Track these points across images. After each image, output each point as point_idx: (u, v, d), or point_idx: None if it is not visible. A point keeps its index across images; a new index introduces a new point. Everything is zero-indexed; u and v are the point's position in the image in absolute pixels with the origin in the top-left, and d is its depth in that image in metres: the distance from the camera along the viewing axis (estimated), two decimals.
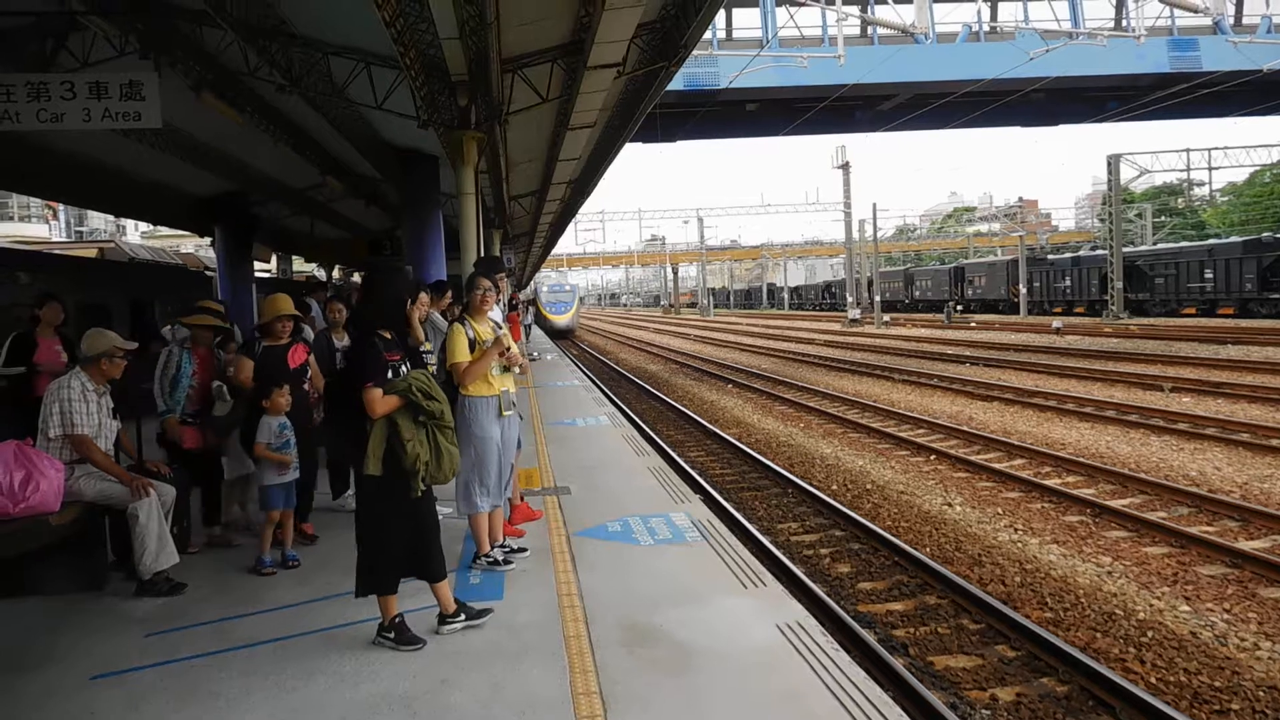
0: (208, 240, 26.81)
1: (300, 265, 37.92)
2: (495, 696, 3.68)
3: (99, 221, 63.18)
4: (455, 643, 4.25)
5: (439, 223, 14.89)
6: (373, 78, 10.17)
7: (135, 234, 62.52)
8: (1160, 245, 53.07)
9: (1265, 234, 41.70)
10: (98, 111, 8.22)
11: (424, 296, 6.33)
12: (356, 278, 34.54)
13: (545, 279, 69.01)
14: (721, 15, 27.62)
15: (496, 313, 5.65)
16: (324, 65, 9.91)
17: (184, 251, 36.86)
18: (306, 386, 6.30)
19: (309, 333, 7.41)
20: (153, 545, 5.02)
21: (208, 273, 22.48)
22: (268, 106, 12.00)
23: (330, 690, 3.75)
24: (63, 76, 8.42)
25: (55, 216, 59.81)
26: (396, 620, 4.27)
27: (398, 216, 19.69)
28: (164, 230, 40.38)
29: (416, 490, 4.11)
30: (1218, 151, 43.28)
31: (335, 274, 33.75)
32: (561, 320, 51.34)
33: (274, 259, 31.77)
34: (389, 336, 4.34)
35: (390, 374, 4.15)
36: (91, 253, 26.67)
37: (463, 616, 4.40)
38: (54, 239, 53.71)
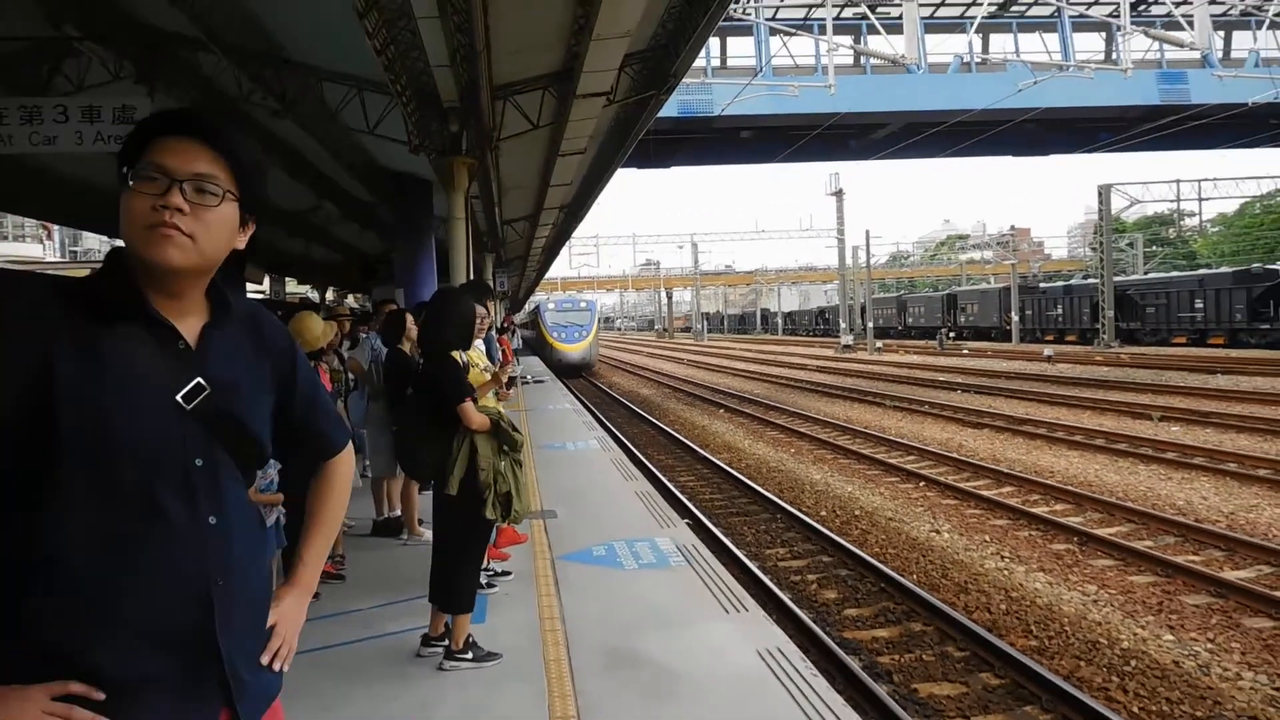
0: None
1: (292, 287, 37.96)
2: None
3: (93, 242, 63.18)
4: (433, 665, 4.24)
5: (431, 247, 14.96)
6: (365, 103, 10.27)
7: None
8: (1151, 275, 53.40)
9: (1255, 265, 41.98)
10: (90, 135, 8.29)
11: (481, 312, 6.25)
12: (351, 300, 34.60)
13: (552, 296, 51.97)
14: (716, 43, 27.96)
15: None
16: (317, 90, 10.00)
17: None
18: None
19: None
20: None
21: None
22: (262, 130, 12.09)
23: (306, 715, 3.74)
24: (56, 100, 8.49)
25: (50, 236, 59.81)
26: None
27: (392, 239, 19.79)
28: None
29: (496, 516, 4.20)
30: (1207, 183, 43.78)
31: (329, 295, 33.80)
32: (573, 351, 36.08)
33: (266, 280, 31.81)
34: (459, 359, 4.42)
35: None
36: (84, 273, 26.68)
37: (470, 655, 4.29)
38: (48, 259, 53.75)
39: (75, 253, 62.50)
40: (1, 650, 1.27)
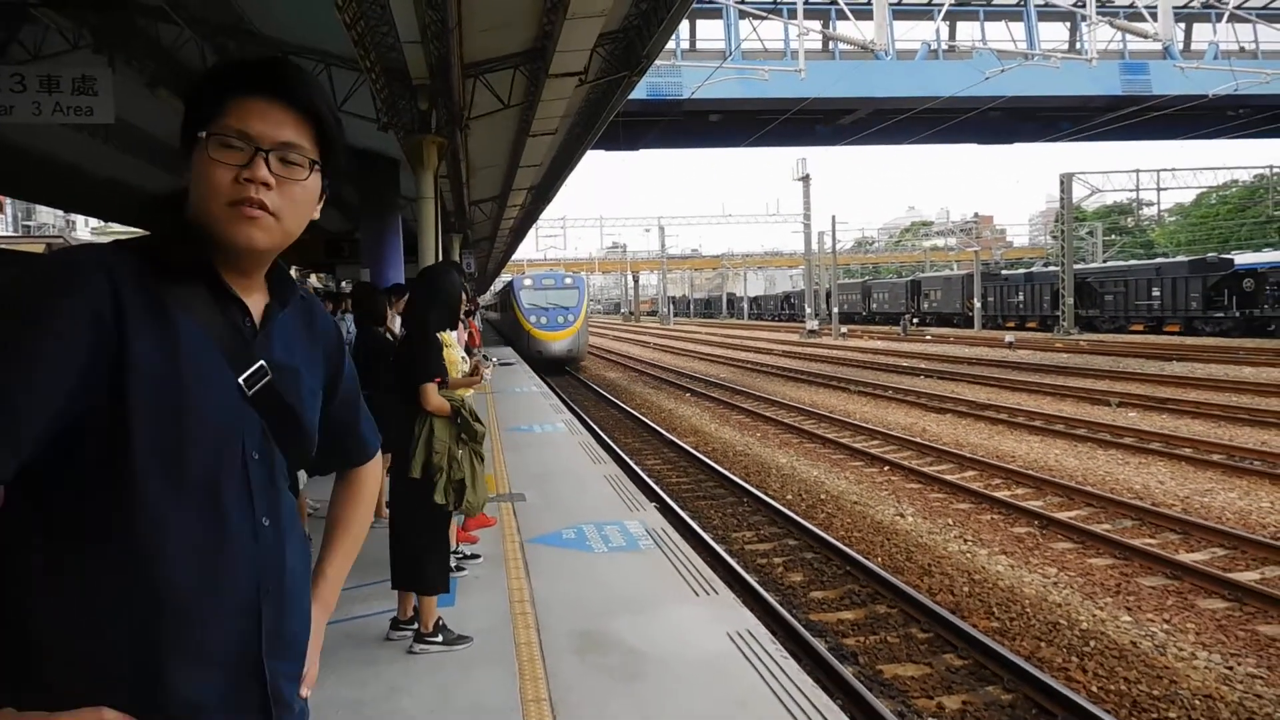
0: None
1: None
2: (444, 703, 3.66)
3: (48, 216, 61.71)
4: (403, 649, 4.22)
5: (398, 226, 14.80)
6: (332, 79, 10.10)
7: (86, 230, 61.22)
8: (1110, 263, 54.27)
9: (1210, 254, 42.86)
10: (48, 105, 8.08)
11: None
12: (314, 279, 34.15)
13: (529, 271, 40.87)
14: (685, 26, 27.82)
15: None
16: None
17: None
18: None
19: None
20: None
21: None
22: None
23: None
24: (13, 69, 8.25)
25: (1, 210, 58.36)
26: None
27: (356, 218, 19.53)
28: (116, 227, 39.64)
29: (447, 501, 4.20)
30: (1166, 173, 44.42)
31: (291, 274, 33.34)
32: (557, 341, 29.08)
33: None
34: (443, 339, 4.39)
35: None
36: (39, 248, 26.08)
37: (440, 639, 4.27)
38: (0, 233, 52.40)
39: (29, 227, 61.00)
40: (25, 670, 1.11)
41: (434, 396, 4.21)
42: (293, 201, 1.24)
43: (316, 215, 1.34)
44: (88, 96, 8.10)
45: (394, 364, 4.54)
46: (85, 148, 13.57)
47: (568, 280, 31.08)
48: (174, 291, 1.20)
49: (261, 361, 1.25)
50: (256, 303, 1.30)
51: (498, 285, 60.06)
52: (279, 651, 1.26)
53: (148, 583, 1.14)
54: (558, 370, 28.48)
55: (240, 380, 1.23)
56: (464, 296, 5.41)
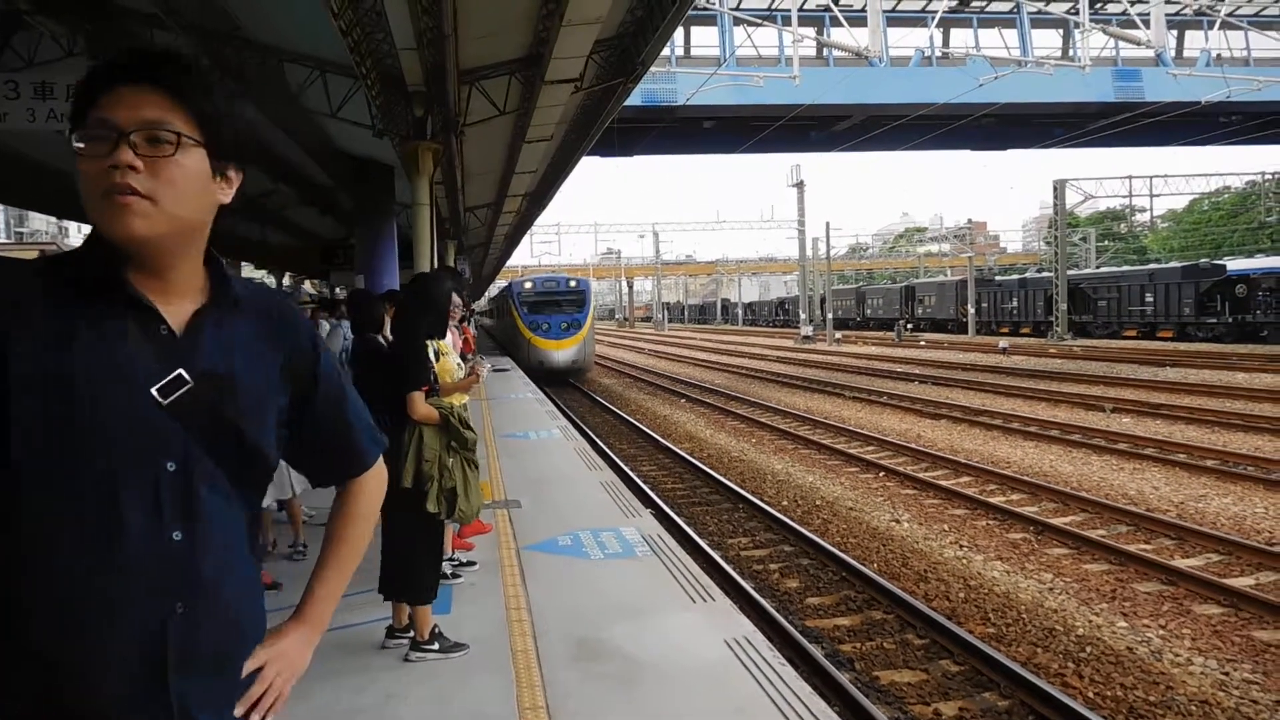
0: None
1: (249, 272, 37.37)
2: (441, 711, 3.65)
3: (40, 223, 61.60)
4: (399, 656, 4.20)
5: (393, 232, 14.79)
6: (328, 85, 10.10)
7: (78, 236, 61.02)
8: (1103, 269, 54.45)
9: (1203, 260, 43.08)
10: (42, 112, 8.08)
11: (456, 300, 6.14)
12: (308, 285, 34.12)
13: (529, 275, 36.34)
14: (680, 33, 27.86)
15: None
16: (278, 71, 9.81)
17: None
18: None
19: None
20: None
21: None
22: None
23: None
24: (7, 76, 8.25)
25: None
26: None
27: (351, 225, 19.53)
28: None
29: (439, 510, 4.16)
30: (1159, 179, 44.57)
31: (285, 281, 33.31)
32: (560, 351, 26.78)
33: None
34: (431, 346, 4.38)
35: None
36: (32, 254, 25.98)
37: (436, 646, 4.24)
38: None
39: (21, 234, 60.87)
40: None
41: (421, 405, 4.19)
42: (169, 183, 1.18)
43: (226, 199, 1.29)
44: None
45: (382, 372, 4.51)
46: None
47: (572, 284, 28.59)
48: (80, 303, 1.18)
49: (179, 370, 1.21)
50: (183, 308, 1.25)
51: (493, 290, 59.29)
52: (193, 669, 1.20)
53: (32, 591, 1.13)
54: (560, 382, 25.91)
55: (154, 390, 1.19)
56: (460, 301, 5.41)
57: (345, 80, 9.90)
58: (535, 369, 25.08)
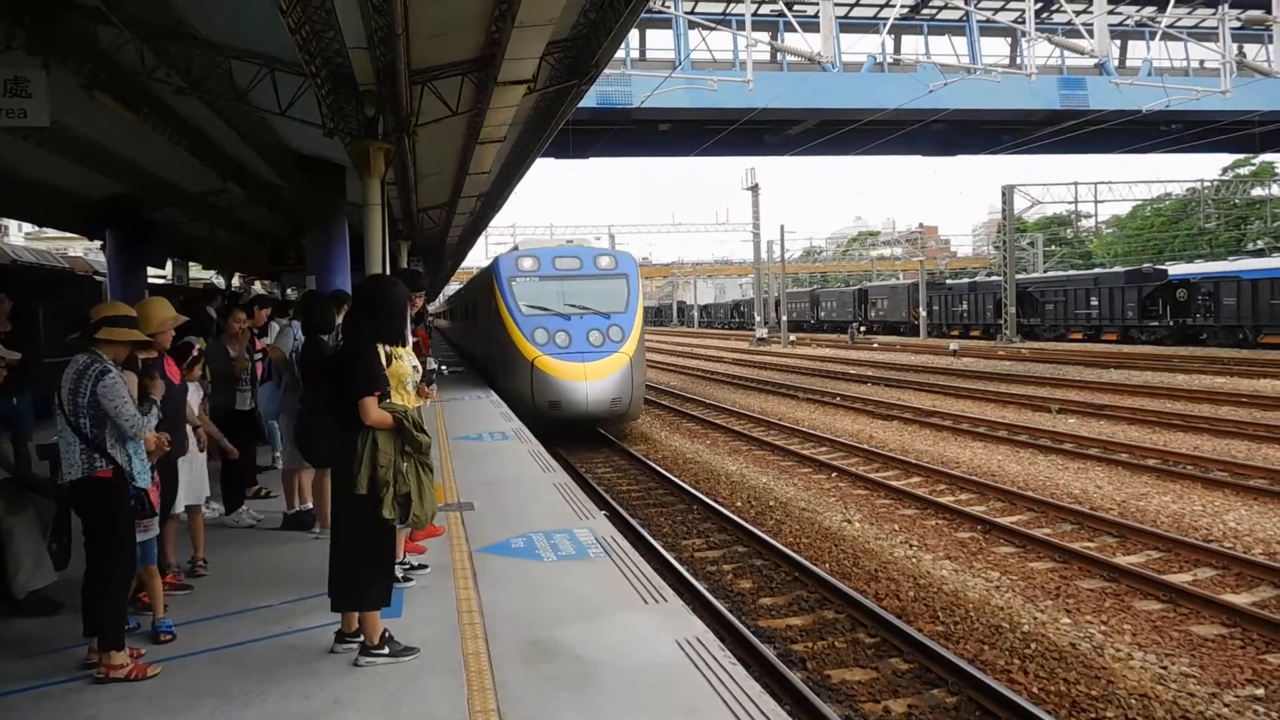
0: (98, 244, 25.78)
1: (197, 272, 36.61)
2: (391, 716, 3.62)
3: None
4: (348, 661, 4.15)
5: (344, 233, 14.56)
6: (277, 83, 9.92)
7: (19, 235, 59.29)
8: (1050, 273, 55.58)
9: (1146, 265, 44.15)
10: None
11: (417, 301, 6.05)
12: (258, 286, 33.54)
13: (525, 248, 18.63)
14: (635, 35, 27.90)
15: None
16: (226, 68, 9.62)
17: (72, 255, 35.26)
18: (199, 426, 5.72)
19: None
20: (28, 563, 4.77)
21: (97, 277, 21.50)
22: (166, 109, 11.57)
23: (216, 713, 3.62)
24: None
25: None
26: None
27: (301, 224, 19.23)
28: (50, 232, 38.55)
29: (394, 516, 4.09)
30: (1103, 186, 45.58)
31: (235, 281, 32.70)
32: (591, 383, 14.69)
33: (169, 264, 30.58)
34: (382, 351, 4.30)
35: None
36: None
37: (386, 651, 4.19)
38: None
39: None
40: None
41: (374, 410, 4.11)
42: None
43: None
44: (21, 99, 7.86)
45: (330, 376, 4.44)
46: (17, 151, 13.15)
47: (603, 261, 17.29)
48: None
49: None
50: None
51: (450, 289, 55.53)
52: None
53: None
54: (588, 430, 15.67)
55: None
56: (414, 301, 5.36)
57: (294, 79, 9.73)
58: (543, 410, 14.86)
